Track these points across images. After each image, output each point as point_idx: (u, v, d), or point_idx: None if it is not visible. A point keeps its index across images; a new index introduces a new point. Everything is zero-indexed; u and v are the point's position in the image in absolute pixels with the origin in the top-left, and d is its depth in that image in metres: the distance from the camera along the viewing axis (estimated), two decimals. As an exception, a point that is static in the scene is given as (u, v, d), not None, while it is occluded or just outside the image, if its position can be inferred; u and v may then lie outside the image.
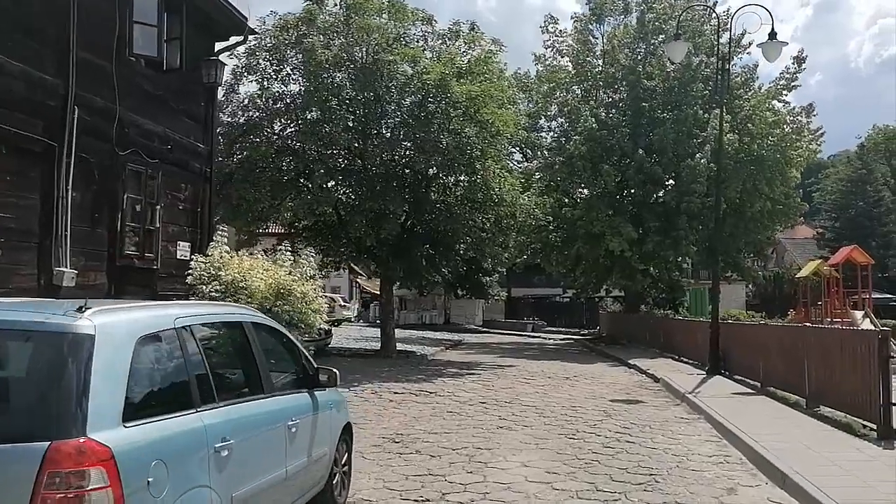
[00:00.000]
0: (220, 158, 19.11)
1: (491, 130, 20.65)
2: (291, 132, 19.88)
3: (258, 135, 19.71)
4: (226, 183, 18.87)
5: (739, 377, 16.63)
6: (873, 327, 22.70)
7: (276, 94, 20.64)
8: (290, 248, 13.00)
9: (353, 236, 19.84)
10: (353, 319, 51.44)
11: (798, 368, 12.62)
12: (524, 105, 34.99)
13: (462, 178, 19.84)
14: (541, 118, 36.52)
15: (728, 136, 28.83)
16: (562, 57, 34.60)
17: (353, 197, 20.17)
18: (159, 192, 12.10)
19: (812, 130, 32.47)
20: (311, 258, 12.78)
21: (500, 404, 12.95)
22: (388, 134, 19.16)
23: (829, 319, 26.38)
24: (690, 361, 21.00)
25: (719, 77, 19.58)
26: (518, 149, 36.49)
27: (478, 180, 19.37)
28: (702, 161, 28.17)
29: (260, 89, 21.01)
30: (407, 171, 20.79)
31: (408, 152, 19.25)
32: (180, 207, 12.87)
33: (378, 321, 52.62)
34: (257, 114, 20.42)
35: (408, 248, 20.61)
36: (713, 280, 20.92)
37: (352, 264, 22.89)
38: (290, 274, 12.15)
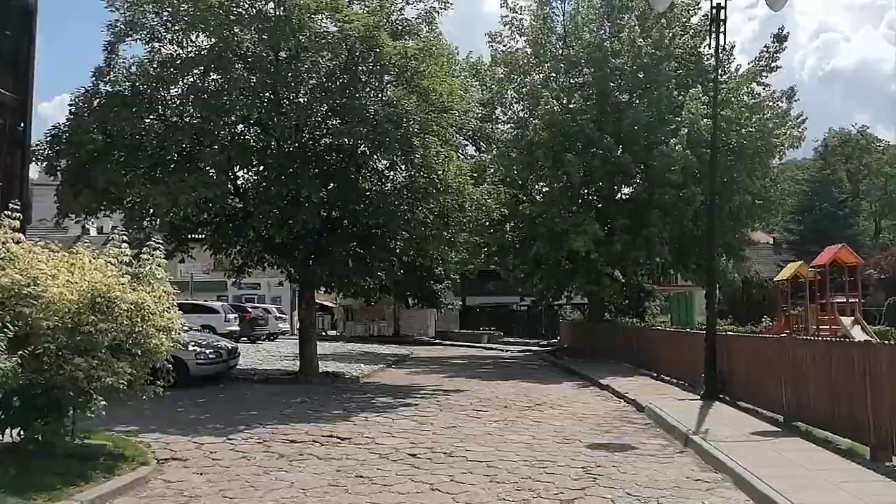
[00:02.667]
0: (92, 134, 15.00)
1: (434, 103, 16.88)
2: (184, 102, 15.73)
3: (141, 105, 15.54)
4: (92, 165, 14.71)
5: (746, 404, 13.12)
6: (866, 336, 19.52)
7: (169, 57, 16.48)
8: (142, 241, 8.88)
9: (259, 231, 15.80)
10: (294, 332, 47.15)
11: (853, 401, 9.04)
12: (477, 93, 31.52)
13: (398, 158, 15.90)
14: (496, 107, 32.97)
15: (704, 121, 25.64)
16: (520, 36, 31.04)
17: (256, 181, 16.12)
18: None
19: (794, 117, 29.39)
20: (158, 252, 8.72)
21: (435, 459, 9.08)
22: (302, 100, 15.08)
23: (814, 328, 23.07)
24: (676, 381, 17.47)
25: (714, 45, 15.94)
26: (470, 141, 32.99)
27: (416, 160, 15.49)
28: (677, 147, 24.78)
29: (149, 51, 16.87)
30: (329, 151, 16.85)
31: (327, 123, 15.23)
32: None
33: (323, 333, 49.50)
34: (144, 82, 16.22)
35: (330, 247, 16.63)
36: (708, 281, 17.45)
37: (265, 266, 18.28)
38: (121, 275, 8.12)
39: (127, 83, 16.45)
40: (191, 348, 15.98)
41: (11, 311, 7.09)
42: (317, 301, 52.69)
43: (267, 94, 14.94)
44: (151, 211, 17.03)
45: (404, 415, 12.64)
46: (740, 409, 12.96)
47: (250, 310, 36.65)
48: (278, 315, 39.00)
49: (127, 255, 8.50)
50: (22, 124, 9.58)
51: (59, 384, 7.40)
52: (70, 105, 16.20)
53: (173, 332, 8.54)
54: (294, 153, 15.66)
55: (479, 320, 48.94)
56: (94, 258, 8.10)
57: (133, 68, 16.71)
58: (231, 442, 9.77)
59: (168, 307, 8.50)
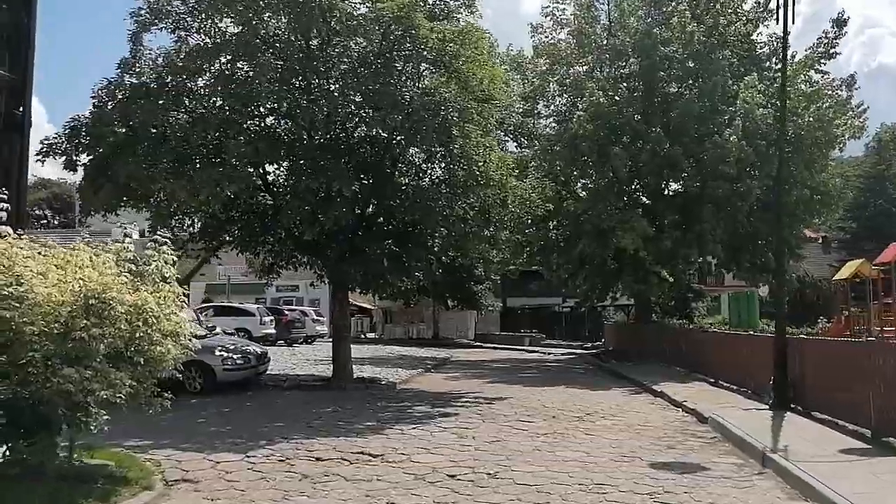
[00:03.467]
0: (114, 126, 14.23)
1: (474, 91, 15.79)
2: (211, 92, 14.83)
3: (167, 97, 14.70)
4: (113, 160, 13.93)
5: (822, 415, 11.78)
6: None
7: (195, 47, 15.64)
8: (154, 234, 7.90)
9: (289, 228, 14.85)
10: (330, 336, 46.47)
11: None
12: (518, 87, 30.42)
13: (435, 149, 14.78)
14: (538, 102, 31.77)
15: (760, 110, 24.15)
16: (563, 27, 29.80)
17: (286, 175, 15.19)
18: None
19: (854, 106, 27.56)
20: (166, 246, 7.76)
21: (478, 481, 7.95)
22: (333, 87, 14.04)
23: (877, 329, 21.36)
24: (736, 388, 16.12)
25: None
26: (511, 137, 31.87)
27: (454, 150, 14.38)
28: (731, 138, 23.27)
29: (176, 40, 16.09)
30: (363, 143, 15.87)
31: (359, 112, 14.18)
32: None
33: (362, 335, 48.70)
34: (171, 73, 15.39)
35: (364, 245, 15.63)
36: (777, 280, 16.08)
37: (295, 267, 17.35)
38: (118, 273, 7.17)
39: (153, 74, 15.68)
40: (217, 353, 15.19)
41: (-12, 313, 6.17)
42: (355, 303, 52.59)
43: (296, 83, 13.96)
44: (178, 209, 16.30)
45: (443, 426, 11.54)
46: (817, 421, 11.61)
47: (287, 312, 35.91)
48: (316, 317, 38.30)
49: (130, 251, 7.55)
50: (21, 108, 8.62)
51: (46, 398, 6.47)
52: (92, 98, 15.50)
53: (182, 338, 7.56)
54: (326, 145, 14.69)
55: (520, 322, 47.66)
56: (95, 255, 7.14)
57: (160, 60, 15.95)
58: (250, 460, 8.77)
59: (175, 309, 7.51)
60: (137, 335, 6.98)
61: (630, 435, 11.16)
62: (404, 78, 14.89)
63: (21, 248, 6.62)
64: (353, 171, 15.10)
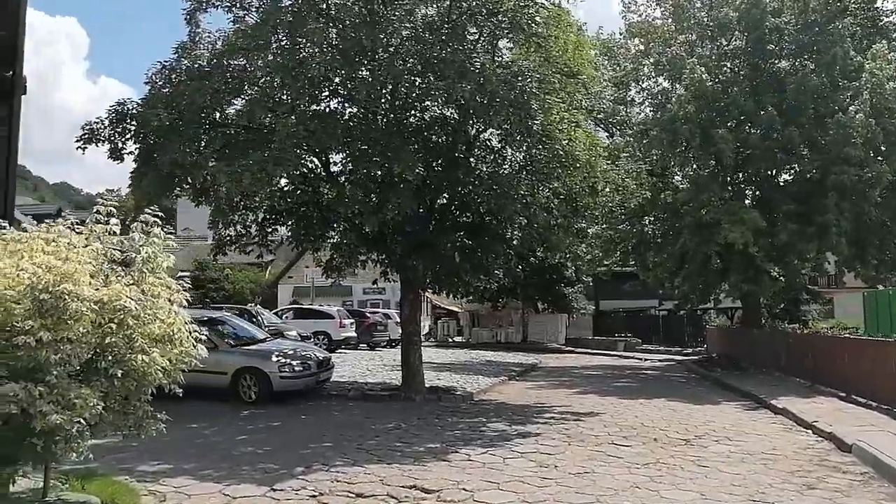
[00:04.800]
0: (159, 110, 12.99)
1: (556, 63, 13.84)
2: (261, 70, 13.36)
3: (220, 78, 13.34)
4: (158, 145, 12.70)
5: None
6: None
7: (253, 26, 14.26)
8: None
9: (347, 219, 13.23)
10: (423, 338, 45.11)
11: None
12: (608, 72, 28.15)
13: (512, 126, 12.78)
14: (630, 87, 29.36)
15: (891, 84, 21.04)
16: (657, 4, 27.31)
17: (344, 159, 13.57)
18: None
19: None
20: (158, 228, 6.15)
21: (558, 537, 6.01)
22: (390, 52, 12.19)
23: None
24: (876, 405, 13.52)
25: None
26: (602, 125, 29.58)
27: (534, 127, 12.39)
28: (857, 116, 20.29)
29: (231, 20, 14.81)
30: (432, 126, 14.13)
31: (421, 83, 12.34)
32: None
33: (449, 339, 47.13)
34: (225, 53, 14.07)
35: (434, 238, 13.87)
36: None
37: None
38: (94, 262, 5.63)
39: (209, 56, 14.42)
40: (274, 359, 13.77)
41: None
42: (442, 306, 51.13)
43: (354, 53, 12.29)
44: (240, 204, 15.02)
45: (519, 451, 9.58)
46: None
47: (369, 315, 34.64)
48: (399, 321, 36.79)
49: (115, 232, 5.99)
50: (12, 72, 7.26)
51: (-20, 423, 4.97)
52: (146, 83, 14.36)
53: (178, 344, 5.94)
54: (389, 127, 12.99)
55: (614, 326, 44.98)
56: (57, 239, 5.62)
57: (219, 44, 14.70)
58: (274, 495, 7.09)
59: (167, 308, 5.91)
60: (109, 341, 5.39)
61: (753, 468, 8.91)
62: (476, 46, 13.02)
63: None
64: (421, 155, 13.37)
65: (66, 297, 5.07)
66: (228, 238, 14.99)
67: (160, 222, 6.13)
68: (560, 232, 15.58)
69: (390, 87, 12.87)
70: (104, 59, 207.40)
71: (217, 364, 13.75)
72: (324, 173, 14.21)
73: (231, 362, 13.85)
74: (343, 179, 13.50)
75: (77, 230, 5.85)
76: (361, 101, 12.53)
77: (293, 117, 12.15)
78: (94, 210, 6.09)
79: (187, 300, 6.45)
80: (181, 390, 6.28)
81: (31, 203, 66.93)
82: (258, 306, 33.82)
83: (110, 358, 5.65)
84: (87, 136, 13.03)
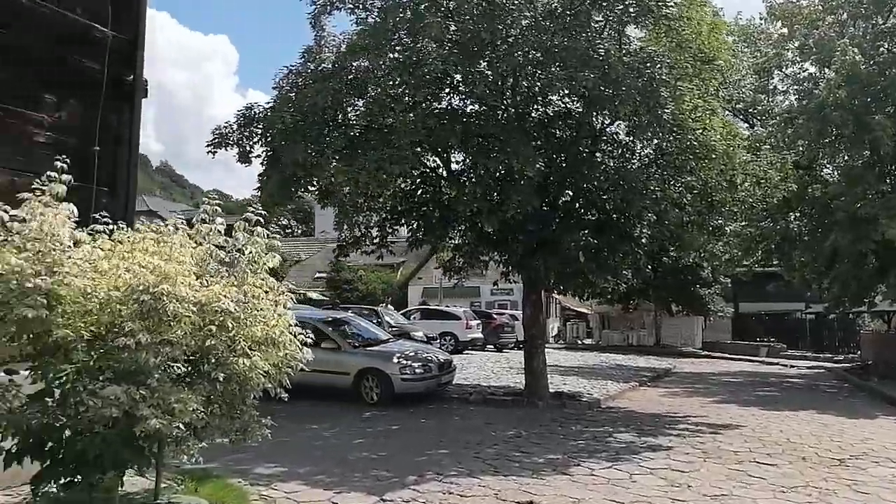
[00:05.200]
0: (285, 112, 13.14)
1: (689, 48, 12.87)
2: (388, 72, 13.18)
3: (343, 78, 13.30)
4: (282, 148, 12.84)
5: None
6: None
7: (370, 25, 14.19)
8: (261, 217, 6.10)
9: (466, 218, 12.82)
10: (549, 341, 44.34)
11: None
12: (748, 59, 26.39)
13: (641, 117, 11.93)
14: (772, 75, 27.47)
15: None
16: (801, -17, 25.35)
17: (463, 157, 13.15)
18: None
19: None
20: (261, 227, 5.98)
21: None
22: (508, 44, 11.61)
23: None
24: None
25: None
26: (742, 116, 27.83)
27: (664, 116, 11.50)
28: None
29: (355, 22, 14.81)
30: (555, 120, 13.54)
31: (542, 74, 11.70)
32: (39, 139, 6.78)
33: (578, 341, 46.02)
34: (347, 55, 14.07)
35: (556, 237, 13.24)
36: None
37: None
38: (197, 261, 5.52)
39: (333, 59, 14.49)
40: (395, 361, 13.64)
41: (10, 314, 4.70)
42: (571, 308, 50.08)
43: (472, 45, 11.87)
44: (364, 205, 15.02)
45: (648, 466, 8.84)
46: None
47: (496, 316, 34.26)
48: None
49: (220, 232, 5.87)
50: (132, 76, 7.37)
51: (82, 427, 4.92)
52: (274, 88, 14.61)
53: (282, 347, 5.74)
54: (510, 123, 12.48)
55: (755, 330, 42.35)
56: (163, 239, 5.54)
57: (343, 46, 14.76)
58: (381, 507, 6.80)
59: (271, 310, 5.71)
60: (209, 344, 5.24)
61: (925, 496, 7.76)
62: (601, 33, 12.28)
63: (57, 225, 5.12)
64: (543, 151, 12.80)
65: (165, 298, 4.94)
66: (352, 239, 14.99)
67: (263, 221, 5.95)
68: (694, 229, 14.50)
69: (511, 80, 12.36)
70: (251, 74, 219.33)
71: (340, 364, 13.84)
72: (444, 172, 13.92)
73: (353, 363, 13.86)
74: (462, 178, 13.14)
75: (183, 230, 5.77)
76: (480, 96, 12.11)
77: (411, 115, 11.91)
78: (201, 210, 6.00)
79: (292, 301, 6.24)
80: (286, 394, 6.08)
81: (186, 208, 71.41)
82: (388, 307, 34.31)
83: (213, 361, 5.52)
84: (217, 140, 13.38)
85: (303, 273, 69.77)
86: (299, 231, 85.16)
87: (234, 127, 13.46)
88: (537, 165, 11.46)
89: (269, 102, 14.20)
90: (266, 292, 5.81)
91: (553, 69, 10.92)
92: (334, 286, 61.10)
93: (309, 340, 6.26)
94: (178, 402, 5.07)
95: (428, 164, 13.78)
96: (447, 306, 34.35)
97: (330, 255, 67.56)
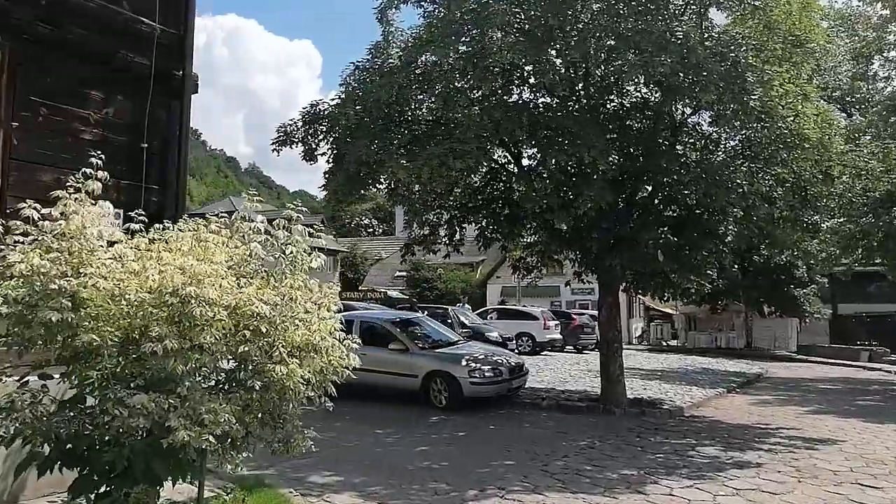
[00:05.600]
0: (349, 108, 12.88)
1: (779, 29, 11.90)
2: (453, 66, 12.71)
3: (408, 73, 12.92)
4: (346, 145, 12.59)
5: None
6: None
7: (442, 19, 13.77)
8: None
9: (536, 214, 12.20)
10: (630, 342, 43.02)
11: None
12: (845, 44, 24.84)
13: (726, 105, 11.06)
14: (872, 61, 25.69)
15: None
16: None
17: (533, 151, 12.52)
18: (10, 96, 5.95)
19: None
20: (301, 225, 5.61)
21: None
22: (578, 30, 10.92)
23: None
24: None
25: None
26: (839, 105, 26.09)
27: (751, 102, 10.59)
28: None
29: (422, 15, 14.45)
30: (632, 111, 12.81)
31: (615, 63, 10.96)
32: (86, 136, 6.60)
33: (663, 343, 44.41)
34: (416, 51, 13.70)
35: (634, 234, 12.48)
36: None
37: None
38: (232, 262, 5.20)
39: (400, 54, 14.16)
40: (464, 364, 13.19)
41: (35, 317, 4.47)
42: (656, 308, 48.46)
43: (538, 34, 11.27)
44: (436, 202, 14.67)
45: (734, 486, 8.05)
46: None
47: (575, 316, 33.37)
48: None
49: (259, 228, 5.53)
50: (181, 71, 7.16)
51: (110, 437, 4.65)
52: (341, 85, 14.40)
53: (322, 354, 5.35)
54: (582, 114, 11.81)
55: (855, 333, 39.80)
56: (201, 238, 5.24)
57: (410, 41, 14.42)
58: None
59: (311, 313, 5.34)
60: (243, 350, 4.89)
61: None
62: (679, 15, 11.46)
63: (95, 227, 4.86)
64: (619, 143, 12.09)
65: (193, 301, 4.62)
66: (420, 237, 14.63)
67: (303, 218, 5.58)
68: (785, 226, 13.44)
69: (582, 69, 11.70)
70: (333, 77, 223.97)
71: (408, 366, 13.49)
72: (514, 168, 13.37)
73: (421, 365, 13.47)
74: (532, 173, 12.54)
75: (222, 227, 5.46)
76: (550, 87, 11.51)
77: (477, 108, 11.41)
78: (243, 206, 5.68)
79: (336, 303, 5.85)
80: (332, 404, 5.69)
81: (271, 209, 72.66)
82: (465, 306, 33.89)
83: (250, 368, 5.18)
84: (281, 138, 13.24)
85: (383, 272, 70.53)
86: (380, 230, 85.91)
87: (299, 124, 13.28)
88: (610, 158, 10.78)
89: (333, 99, 13.97)
90: (307, 295, 5.44)
91: (627, 55, 10.18)
92: (414, 285, 61.39)
93: (355, 346, 5.86)
94: (210, 413, 4.75)
95: (497, 159, 13.26)
96: (524, 306, 33.67)
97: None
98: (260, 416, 5.28)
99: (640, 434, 11.32)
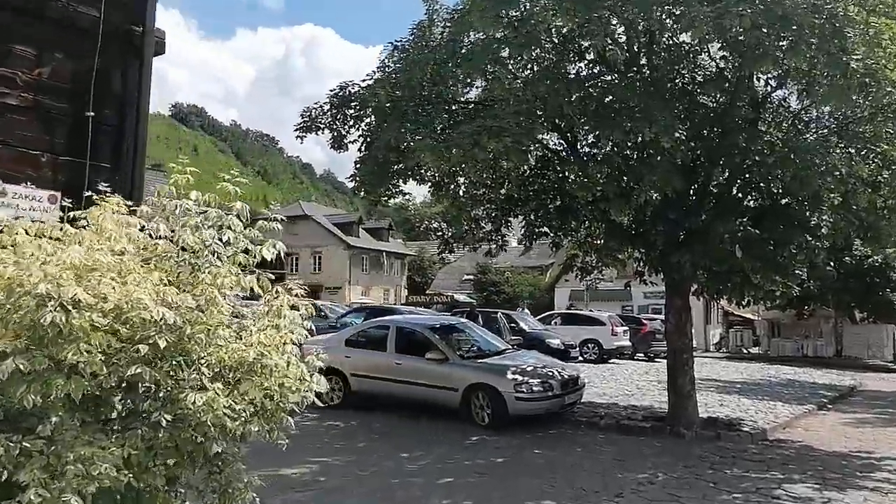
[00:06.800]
0: (380, 89, 11.51)
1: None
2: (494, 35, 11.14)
3: (445, 52, 11.45)
4: (376, 131, 11.22)
5: None
6: None
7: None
8: None
9: (589, 204, 10.48)
10: (708, 349, 40.45)
11: None
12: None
13: (820, 70, 9.14)
14: None
15: None
16: None
17: (583, 130, 10.76)
18: None
19: None
20: (237, 217, 4.17)
21: None
22: None
23: None
24: None
25: None
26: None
27: (855, 67, 8.65)
28: None
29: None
30: (706, 85, 10.96)
31: (679, 16, 9.15)
32: (10, 101, 5.35)
33: (743, 350, 41.57)
34: (459, 28, 12.22)
35: (707, 227, 10.62)
36: None
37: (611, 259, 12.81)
38: (150, 251, 3.82)
39: (442, 32, 12.72)
40: (510, 376, 11.60)
41: None
42: (736, 314, 45.62)
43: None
44: (484, 195, 13.18)
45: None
46: None
47: (646, 322, 31.18)
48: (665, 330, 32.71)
49: (190, 208, 4.12)
50: (141, 25, 5.87)
51: None
52: (378, 68, 12.99)
53: (272, 376, 3.92)
54: (645, 86, 10.05)
55: (962, 341, 36.24)
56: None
57: (456, 15, 12.96)
58: None
59: (263, 323, 3.94)
60: (135, 372, 3.50)
61: None
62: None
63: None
64: (688, 121, 10.30)
65: (49, 303, 3.25)
66: (461, 234, 13.12)
67: (240, 190, 4.15)
68: (892, 216, 11.34)
69: (645, 35, 9.95)
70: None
71: (446, 378, 12.01)
72: (564, 152, 11.69)
73: (461, 377, 11.93)
74: (586, 157, 10.86)
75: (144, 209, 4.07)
76: (607, 55, 9.82)
77: (519, 82, 9.82)
78: (171, 182, 4.29)
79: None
80: (286, 440, 4.24)
81: (342, 212, 72.82)
82: (525, 311, 32.26)
83: (161, 395, 3.78)
84: (306, 123, 11.95)
85: (451, 275, 69.37)
86: (449, 233, 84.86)
87: (326, 108, 11.95)
88: (677, 134, 8.98)
89: (364, 80, 12.56)
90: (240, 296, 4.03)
91: (694, 5, 8.38)
92: (481, 288, 59.96)
93: (320, 364, 4.42)
94: (79, 461, 3.37)
95: (545, 143, 11.61)
96: (590, 311, 31.74)
97: (478, 257, 66.48)
98: (167, 461, 3.88)
99: (713, 465, 9.46)
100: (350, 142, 12.23)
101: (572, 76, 10.53)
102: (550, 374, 12.11)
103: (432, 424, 11.74)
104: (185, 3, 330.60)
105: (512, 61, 10.41)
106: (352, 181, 11.98)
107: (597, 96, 9.78)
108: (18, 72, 5.47)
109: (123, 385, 3.69)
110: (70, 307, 3.32)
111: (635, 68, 10.57)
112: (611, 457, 9.72)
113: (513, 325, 23.21)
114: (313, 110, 12.02)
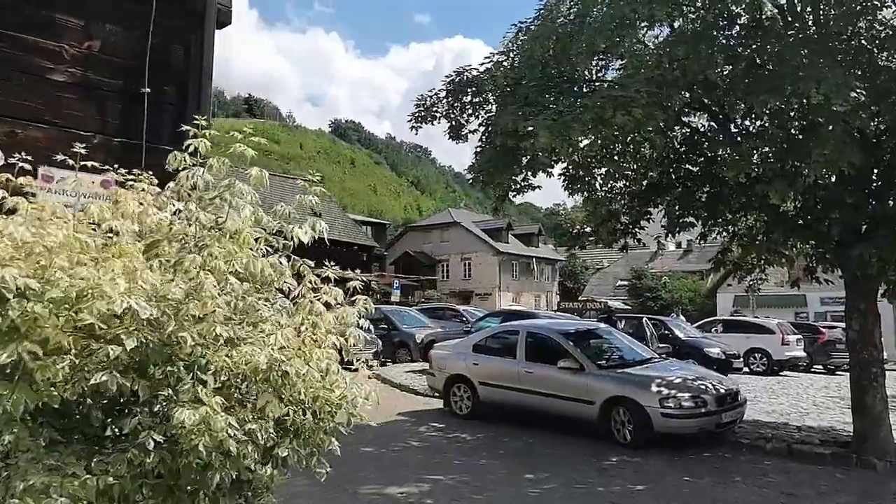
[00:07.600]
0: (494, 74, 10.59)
1: None
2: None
3: (572, 27, 10.28)
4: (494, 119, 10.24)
5: None
6: None
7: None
8: None
9: (743, 188, 8.85)
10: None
11: None
12: None
13: None
14: None
15: None
16: None
17: (729, 98, 9.03)
18: None
19: None
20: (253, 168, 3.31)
21: None
22: None
23: None
24: None
25: None
26: None
27: None
28: None
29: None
30: (888, 40, 9.04)
31: None
32: (57, 77, 4.80)
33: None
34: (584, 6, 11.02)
35: (894, 213, 8.69)
36: None
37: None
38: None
39: (570, 9, 11.54)
40: (654, 389, 10.19)
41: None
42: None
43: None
44: (626, 189, 11.87)
45: None
46: None
47: (824, 330, 27.96)
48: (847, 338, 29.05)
49: (199, 183, 3.34)
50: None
51: None
52: (500, 53, 12.00)
53: (302, 385, 3.07)
54: (808, 43, 8.38)
55: None
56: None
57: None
58: None
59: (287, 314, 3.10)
60: (101, 380, 2.72)
61: None
62: None
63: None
64: (867, 82, 8.46)
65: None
66: (594, 227, 11.81)
67: (248, 157, 3.29)
68: None
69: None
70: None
71: (582, 389, 10.76)
72: (713, 133, 10.09)
73: (599, 388, 10.62)
74: (739, 131, 9.25)
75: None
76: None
77: (643, 43, 8.46)
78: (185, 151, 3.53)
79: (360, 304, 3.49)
80: (328, 468, 3.33)
81: (489, 218, 72.56)
82: (679, 317, 30.03)
83: (156, 410, 2.99)
84: (420, 113, 11.14)
85: (604, 281, 67.02)
86: (581, 229, 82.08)
87: (441, 95, 11.08)
88: (853, 94, 7.28)
89: (482, 63, 11.55)
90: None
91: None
92: (636, 294, 57.23)
93: (368, 372, 3.52)
94: (26, 494, 2.64)
95: (686, 119, 10.08)
96: (757, 317, 28.93)
97: (632, 262, 63.76)
98: (161, 496, 3.07)
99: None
100: (470, 131, 11.31)
101: (714, 34, 8.94)
102: (703, 387, 10.49)
103: (567, 441, 10.53)
104: (343, 25, 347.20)
105: (645, 23, 9.00)
106: (469, 173, 11.01)
107: (749, 56, 8.21)
108: (65, 45, 4.99)
109: (107, 399, 2.94)
110: (9, 295, 2.58)
111: (797, 25, 8.87)
112: (778, 490, 8.05)
113: (666, 332, 21.39)
114: (428, 98, 11.19)
